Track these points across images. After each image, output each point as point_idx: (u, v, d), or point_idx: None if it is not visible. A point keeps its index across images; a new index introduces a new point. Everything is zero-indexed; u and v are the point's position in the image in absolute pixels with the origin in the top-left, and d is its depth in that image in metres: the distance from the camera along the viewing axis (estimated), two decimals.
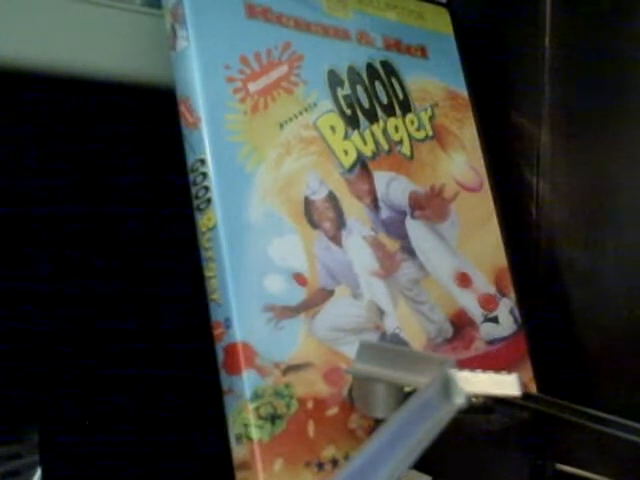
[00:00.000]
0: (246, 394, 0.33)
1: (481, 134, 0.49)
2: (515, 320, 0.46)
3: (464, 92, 0.49)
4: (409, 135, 0.44)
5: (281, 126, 0.38)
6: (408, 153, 0.44)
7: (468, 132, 0.48)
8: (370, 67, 0.44)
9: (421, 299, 0.42)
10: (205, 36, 0.36)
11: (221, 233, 0.35)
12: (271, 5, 0.39)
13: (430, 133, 0.46)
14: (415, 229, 0.43)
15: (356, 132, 0.42)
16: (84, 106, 0.40)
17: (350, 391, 0.36)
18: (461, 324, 0.43)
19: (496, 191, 0.48)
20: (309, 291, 0.37)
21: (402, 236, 0.42)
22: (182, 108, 0.36)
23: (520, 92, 0.50)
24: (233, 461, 0.34)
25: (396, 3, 0.47)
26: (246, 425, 0.33)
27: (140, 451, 0.42)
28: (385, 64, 0.44)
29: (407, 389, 0.33)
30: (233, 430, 0.34)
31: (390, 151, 0.43)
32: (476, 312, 0.44)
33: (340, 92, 0.41)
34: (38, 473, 0.39)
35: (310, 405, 0.35)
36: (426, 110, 0.46)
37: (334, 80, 0.41)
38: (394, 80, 0.45)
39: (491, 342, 0.44)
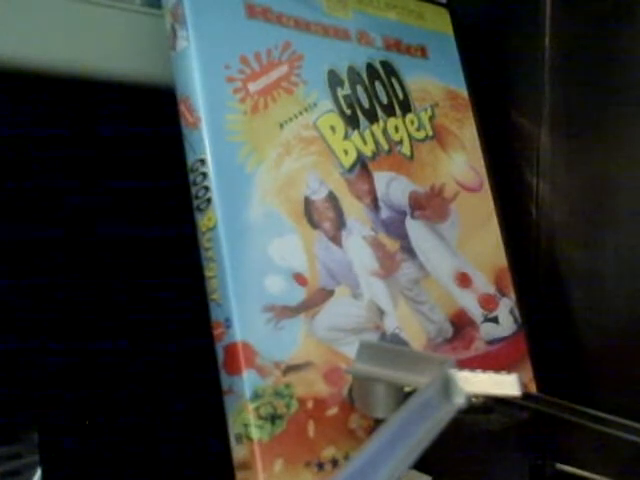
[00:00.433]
0: (246, 394, 0.33)
1: (481, 134, 0.49)
2: (515, 320, 0.46)
3: (464, 92, 0.49)
4: (409, 135, 0.44)
5: (281, 126, 0.38)
6: (408, 153, 0.44)
7: (468, 132, 0.48)
8: (370, 67, 0.44)
9: (421, 299, 0.42)
10: (205, 36, 0.36)
11: (221, 233, 0.35)
12: (271, 5, 0.39)
13: (430, 133, 0.46)
14: (415, 229, 0.43)
15: (356, 132, 0.42)
16: (84, 106, 0.40)
17: (350, 391, 0.36)
18: (461, 324, 0.43)
19: (496, 191, 0.48)
20: (309, 291, 0.37)
21: (402, 236, 0.42)
22: (182, 108, 0.36)
23: (520, 92, 0.50)
24: (233, 461, 0.34)
25: (396, 3, 0.47)
26: (246, 425, 0.33)
27: (140, 451, 0.42)
28: (385, 64, 0.44)
29: (407, 389, 0.33)
30: (233, 430, 0.34)
31: (390, 151, 0.43)
32: (476, 312, 0.44)
33: (340, 92, 0.41)
34: (38, 473, 0.39)
35: (310, 405, 0.35)
36: (426, 110, 0.46)
37: (334, 80, 0.41)
38: (394, 80, 0.45)
39: (491, 342, 0.44)
